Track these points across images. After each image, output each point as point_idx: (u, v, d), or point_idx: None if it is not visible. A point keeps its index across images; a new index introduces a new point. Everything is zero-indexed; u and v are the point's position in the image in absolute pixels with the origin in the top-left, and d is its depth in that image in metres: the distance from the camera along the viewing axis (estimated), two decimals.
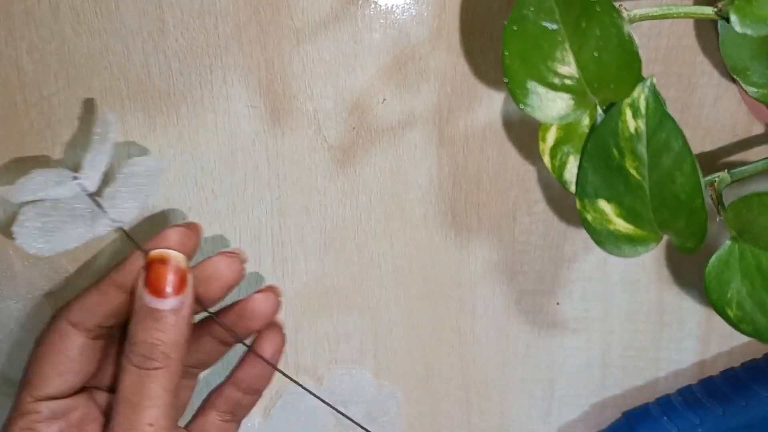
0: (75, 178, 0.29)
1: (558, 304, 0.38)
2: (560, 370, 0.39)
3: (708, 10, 0.27)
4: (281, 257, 0.36)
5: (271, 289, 0.32)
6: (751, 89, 0.30)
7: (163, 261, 0.28)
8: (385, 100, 0.34)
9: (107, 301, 0.29)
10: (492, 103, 0.34)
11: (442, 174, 0.35)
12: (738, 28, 0.26)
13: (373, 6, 0.32)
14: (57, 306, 0.36)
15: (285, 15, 0.32)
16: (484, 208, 0.36)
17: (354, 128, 0.34)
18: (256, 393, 0.33)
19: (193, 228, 0.30)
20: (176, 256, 0.29)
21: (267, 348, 0.32)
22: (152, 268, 0.28)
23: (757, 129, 0.35)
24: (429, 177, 0.35)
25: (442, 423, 0.39)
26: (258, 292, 0.32)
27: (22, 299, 0.35)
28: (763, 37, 0.28)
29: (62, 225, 0.29)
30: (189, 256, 0.29)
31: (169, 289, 0.28)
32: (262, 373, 0.32)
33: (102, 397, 0.31)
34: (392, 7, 0.32)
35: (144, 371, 0.27)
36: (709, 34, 0.33)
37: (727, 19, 0.26)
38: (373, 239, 0.36)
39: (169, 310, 0.28)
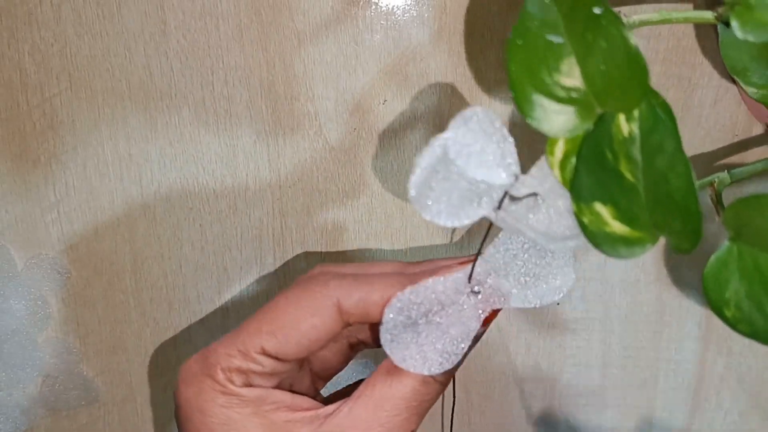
0: (516, 177, 0.27)
1: (558, 304, 0.38)
2: (560, 370, 0.39)
3: (708, 15, 0.26)
4: (282, 257, 0.36)
5: None
6: (750, 90, 0.30)
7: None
8: (386, 101, 0.34)
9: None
10: (493, 104, 0.34)
11: None
12: (739, 34, 0.25)
13: (374, 7, 0.33)
14: (60, 307, 0.36)
15: (286, 16, 0.32)
16: None
17: (355, 129, 0.34)
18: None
19: None
20: None
21: None
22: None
23: (757, 129, 0.35)
24: None
25: (443, 423, 0.39)
26: None
27: (24, 299, 0.35)
28: (764, 42, 0.28)
29: (463, 202, 0.27)
30: None
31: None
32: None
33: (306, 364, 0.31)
34: (393, 9, 0.33)
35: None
36: (708, 35, 0.33)
37: (728, 24, 0.26)
38: (374, 240, 0.36)
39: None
